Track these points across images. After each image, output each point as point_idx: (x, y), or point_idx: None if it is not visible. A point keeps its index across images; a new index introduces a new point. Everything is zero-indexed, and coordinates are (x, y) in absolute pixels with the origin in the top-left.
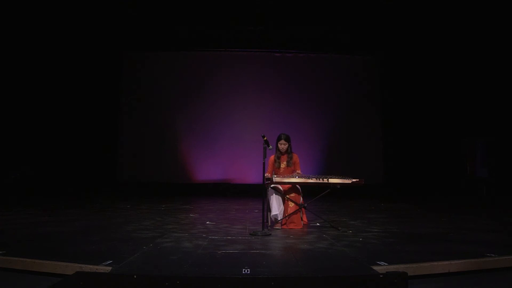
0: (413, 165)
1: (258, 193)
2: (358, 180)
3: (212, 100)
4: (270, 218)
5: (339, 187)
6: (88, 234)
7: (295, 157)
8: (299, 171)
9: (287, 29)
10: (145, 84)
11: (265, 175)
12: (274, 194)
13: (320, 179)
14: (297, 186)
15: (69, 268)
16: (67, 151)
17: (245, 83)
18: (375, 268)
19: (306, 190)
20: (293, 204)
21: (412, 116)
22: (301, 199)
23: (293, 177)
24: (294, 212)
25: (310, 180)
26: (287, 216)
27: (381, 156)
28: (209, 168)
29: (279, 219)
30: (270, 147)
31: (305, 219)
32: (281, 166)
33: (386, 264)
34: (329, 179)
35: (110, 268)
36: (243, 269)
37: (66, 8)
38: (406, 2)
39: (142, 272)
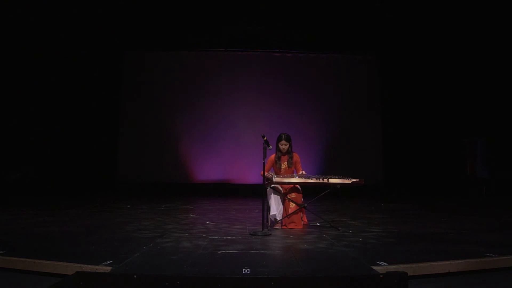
0: (413, 165)
1: (258, 193)
2: (358, 180)
3: (212, 100)
4: (270, 218)
5: (339, 187)
6: (88, 234)
7: (296, 156)
8: (303, 172)
9: (287, 29)
10: (145, 84)
11: (264, 173)
12: (273, 194)
13: (320, 179)
14: (298, 186)
15: (69, 268)
16: (68, 151)
17: (245, 83)
18: (375, 268)
19: (306, 190)
20: (293, 204)
21: (412, 116)
22: (302, 199)
23: (293, 177)
24: (295, 212)
25: (310, 180)
26: (287, 216)
27: (381, 156)
28: (209, 168)
29: (278, 219)
30: (270, 147)
31: (305, 219)
32: (282, 167)
33: (386, 264)
34: (329, 179)
35: (110, 268)
36: (243, 269)
37: (67, 9)
38: (407, 2)
39: (142, 272)
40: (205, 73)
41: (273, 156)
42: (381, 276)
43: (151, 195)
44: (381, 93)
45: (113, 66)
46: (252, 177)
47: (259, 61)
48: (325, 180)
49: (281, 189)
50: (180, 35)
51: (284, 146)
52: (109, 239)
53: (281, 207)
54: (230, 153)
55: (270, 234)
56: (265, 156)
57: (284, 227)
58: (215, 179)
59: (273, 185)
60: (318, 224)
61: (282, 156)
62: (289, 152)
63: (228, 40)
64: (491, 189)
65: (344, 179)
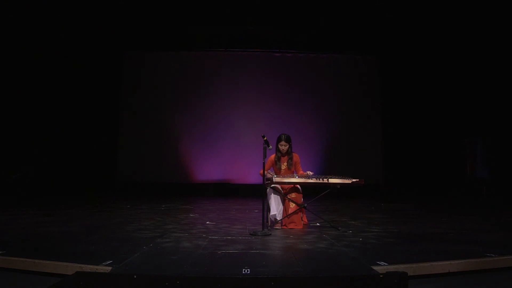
0: (413, 165)
1: (258, 193)
2: (358, 180)
3: (212, 100)
4: (270, 218)
5: (339, 187)
6: (88, 234)
7: (296, 157)
8: (308, 172)
9: (287, 29)
10: (145, 84)
11: (264, 172)
12: (273, 194)
13: (320, 179)
14: (298, 186)
15: (69, 268)
16: (68, 151)
17: (245, 83)
18: (375, 268)
19: (306, 190)
20: (293, 204)
21: (412, 116)
22: (302, 199)
23: (293, 177)
24: (295, 212)
25: (310, 180)
26: (287, 216)
27: (381, 156)
28: (209, 168)
29: (278, 219)
30: (270, 147)
31: (305, 219)
32: (282, 168)
33: (386, 264)
34: (329, 179)
35: (110, 268)
36: (243, 269)
37: (67, 9)
38: (407, 2)
39: (142, 272)
40: (205, 73)
41: (273, 156)
42: (381, 276)
43: (151, 195)
44: (381, 93)
45: (113, 66)
46: (252, 177)
47: (259, 61)
48: (325, 180)
49: (281, 189)
50: (180, 35)
51: (283, 147)
52: (109, 239)
53: (281, 207)
54: (230, 153)
55: (270, 234)
56: (265, 156)
57: (284, 227)
58: (215, 179)
59: (273, 185)
60: (318, 224)
61: (282, 157)
62: (289, 153)
63: (228, 40)
64: (491, 189)
65: (344, 179)
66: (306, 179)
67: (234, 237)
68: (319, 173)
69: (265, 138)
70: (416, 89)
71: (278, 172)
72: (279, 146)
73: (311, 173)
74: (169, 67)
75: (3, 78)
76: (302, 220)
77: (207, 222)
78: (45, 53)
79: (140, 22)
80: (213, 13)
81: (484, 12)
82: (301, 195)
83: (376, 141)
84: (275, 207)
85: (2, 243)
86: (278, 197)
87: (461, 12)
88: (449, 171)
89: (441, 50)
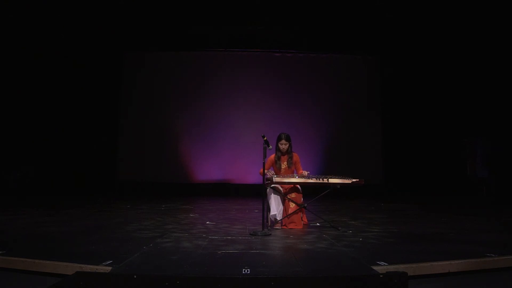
0: (413, 165)
1: (258, 193)
2: (358, 180)
3: (212, 100)
4: (270, 218)
5: (339, 187)
6: (88, 234)
7: (296, 156)
8: (303, 171)
9: (287, 29)
10: (145, 84)
11: (264, 172)
12: (273, 194)
13: (320, 179)
14: (298, 186)
15: (69, 268)
16: (68, 151)
17: (245, 83)
18: (375, 268)
19: (306, 190)
20: (293, 204)
21: (412, 116)
22: (302, 199)
23: (293, 177)
24: (295, 212)
25: (310, 180)
26: (287, 216)
27: (381, 156)
28: (209, 168)
29: (278, 219)
30: (270, 147)
31: (305, 219)
32: (282, 167)
33: (386, 264)
34: (329, 179)
35: (110, 268)
36: (243, 269)
37: (67, 9)
38: (407, 2)
39: (142, 272)
40: (205, 73)
41: (272, 156)
42: (381, 276)
43: (151, 195)
44: (381, 93)
45: (113, 66)
46: (252, 177)
47: (259, 61)
48: (325, 180)
49: (281, 189)
50: (180, 35)
51: (284, 146)
52: (109, 239)
53: (281, 207)
54: (230, 153)
55: (270, 234)
56: (265, 156)
57: (284, 227)
58: (215, 179)
59: (273, 185)
60: (318, 224)
61: (282, 156)
62: (289, 152)
63: (228, 40)
64: (491, 189)
65: (344, 179)
66: (306, 179)
67: (234, 237)
68: (319, 173)
69: (265, 138)
70: (416, 89)
71: (278, 172)
72: (279, 145)
73: (306, 173)
74: (169, 67)
75: (3, 78)
76: (302, 220)
77: (207, 222)
78: (45, 53)
79: (140, 22)
80: (213, 13)
81: (484, 12)
82: (301, 195)
83: (376, 141)
84: (275, 207)
85: (2, 243)
86: (278, 197)
87: (461, 12)
88: (449, 171)
89: (441, 50)
